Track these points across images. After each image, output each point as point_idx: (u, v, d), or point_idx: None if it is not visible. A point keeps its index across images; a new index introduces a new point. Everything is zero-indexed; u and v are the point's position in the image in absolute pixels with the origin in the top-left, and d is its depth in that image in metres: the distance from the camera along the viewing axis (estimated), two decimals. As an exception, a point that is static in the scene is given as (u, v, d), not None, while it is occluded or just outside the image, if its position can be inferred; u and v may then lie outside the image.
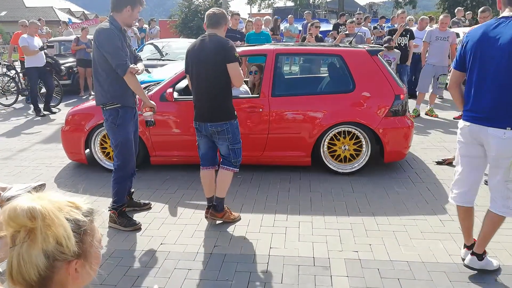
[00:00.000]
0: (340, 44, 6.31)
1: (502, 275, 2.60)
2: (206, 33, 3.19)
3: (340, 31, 8.62)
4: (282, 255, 2.89)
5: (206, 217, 3.40)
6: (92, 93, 9.77)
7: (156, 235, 3.20)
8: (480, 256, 2.58)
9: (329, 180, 4.24)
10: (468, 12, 12.25)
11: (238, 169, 3.31)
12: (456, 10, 11.68)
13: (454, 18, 11.33)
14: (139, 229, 3.28)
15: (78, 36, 10.15)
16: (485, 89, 2.36)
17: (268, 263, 2.80)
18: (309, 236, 3.14)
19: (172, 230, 3.28)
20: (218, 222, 3.37)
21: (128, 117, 3.23)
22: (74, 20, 28.64)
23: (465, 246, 2.74)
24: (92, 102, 4.75)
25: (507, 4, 2.35)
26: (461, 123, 2.55)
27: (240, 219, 3.43)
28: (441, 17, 7.16)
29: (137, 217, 3.45)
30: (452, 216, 3.40)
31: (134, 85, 3.15)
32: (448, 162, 4.64)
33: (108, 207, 3.39)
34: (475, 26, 2.37)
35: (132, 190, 3.65)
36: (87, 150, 4.64)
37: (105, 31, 3.02)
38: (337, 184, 4.15)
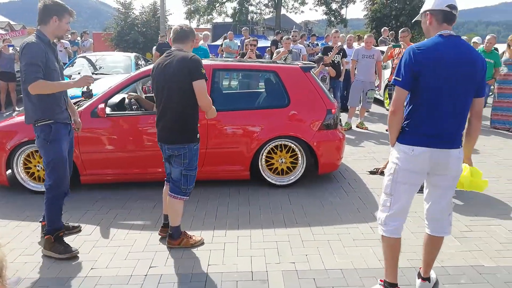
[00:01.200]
0: (278, 61, 6.51)
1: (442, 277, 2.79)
2: (172, 48, 3.06)
3: (279, 48, 8.91)
4: (220, 271, 2.86)
5: (160, 234, 3.33)
6: (17, 109, 9.08)
7: (86, 260, 3.01)
8: (429, 279, 2.61)
9: (268, 193, 4.30)
10: (391, 32, 13.28)
11: (188, 197, 3.13)
12: (382, 30, 12.63)
13: (381, 37, 12.24)
14: (76, 257, 3.04)
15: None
16: (444, 111, 2.23)
17: (206, 281, 2.75)
18: (248, 251, 3.15)
19: (104, 253, 3.10)
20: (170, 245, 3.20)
21: (61, 134, 3.03)
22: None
23: (392, 285, 2.49)
24: (15, 119, 4.42)
25: (441, 22, 2.27)
26: (411, 148, 2.28)
27: (203, 242, 3.24)
28: (365, 37, 7.72)
29: (65, 241, 3.22)
30: (381, 223, 3.60)
31: (50, 89, 2.88)
32: (381, 171, 4.94)
33: (43, 232, 3.13)
34: (419, 42, 2.32)
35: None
36: (9, 171, 4.28)
37: (27, 45, 2.83)
38: (275, 197, 4.22)
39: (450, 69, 2.19)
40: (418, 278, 2.63)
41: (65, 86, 3.04)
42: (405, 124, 2.34)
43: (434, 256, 2.58)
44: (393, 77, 2.31)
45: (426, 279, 2.60)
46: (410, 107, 2.31)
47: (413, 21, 2.88)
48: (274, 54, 7.99)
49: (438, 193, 2.43)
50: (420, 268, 2.66)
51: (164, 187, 3.31)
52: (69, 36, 12.32)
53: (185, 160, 3.01)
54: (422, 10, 2.38)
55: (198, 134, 3.07)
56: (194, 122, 3.03)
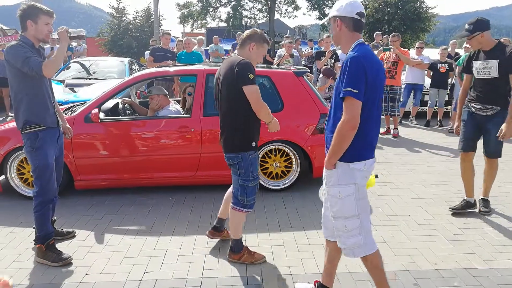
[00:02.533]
0: (272, 66, 6.55)
1: (420, 279, 2.81)
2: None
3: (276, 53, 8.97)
4: (215, 276, 2.86)
5: (206, 235, 3.30)
6: (10, 114, 9.02)
7: (81, 265, 3.00)
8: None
9: (262, 197, 4.31)
10: (385, 36, 13.38)
11: (249, 210, 2.95)
12: (375, 34, 12.72)
13: (373, 42, 12.33)
14: (69, 264, 3.02)
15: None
16: (376, 119, 2.21)
17: (201, 286, 2.75)
18: (243, 255, 3.15)
19: (99, 259, 3.09)
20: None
21: (48, 140, 3.03)
22: (-10, 35, 26.40)
23: None
24: (8, 125, 4.40)
25: (352, 30, 2.20)
26: (363, 164, 2.19)
27: (264, 260, 3.04)
28: None
29: (60, 247, 3.20)
30: (375, 226, 3.62)
31: (55, 61, 2.84)
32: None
33: (34, 240, 3.12)
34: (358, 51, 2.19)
35: (54, 218, 3.39)
36: (2, 177, 4.25)
37: (12, 47, 2.86)
38: (269, 201, 4.23)
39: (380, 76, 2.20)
40: None
41: (62, 50, 2.94)
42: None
43: (337, 261, 2.56)
44: (348, 89, 2.06)
45: (323, 286, 2.58)
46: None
47: (320, 23, 2.82)
48: (276, 58, 8.02)
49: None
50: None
51: (228, 190, 3.24)
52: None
53: (240, 169, 2.85)
54: (330, 15, 2.27)
55: (255, 143, 2.88)
56: (248, 129, 2.84)
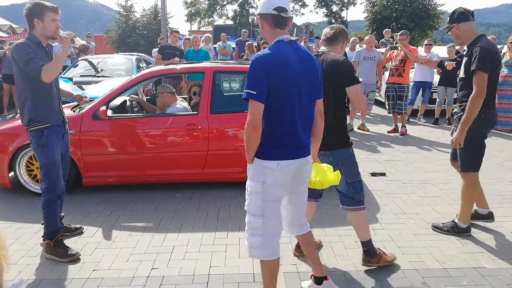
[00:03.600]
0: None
1: (429, 278, 2.79)
2: (320, 50, 2.83)
3: None
4: (222, 273, 2.87)
5: (294, 255, 3.07)
6: (18, 111, 9.10)
7: (88, 261, 3.02)
8: (326, 277, 2.56)
9: (269, 195, 4.30)
10: (395, 34, 13.26)
11: (364, 205, 2.86)
12: (384, 32, 12.59)
13: (382, 39, 12.21)
14: (77, 259, 3.05)
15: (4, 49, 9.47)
16: (292, 120, 2.16)
17: (207, 282, 2.76)
18: (249, 252, 3.14)
19: (106, 255, 3.11)
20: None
21: (54, 137, 3.05)
22: (1, 34, 26.65)
23: None
24: (17, 121, 4.43)
25: (273, 27, 2.15)
26: (276, 163, 2.15)
27: (395, 258, 2.97)
28: (367, 37, 7.71)
29: (68, 243, 3.22)
30: (383, 225, 3.60)
31: (56, 66, 2.84)
32: (381, 173, 4.96)
33: (42, 236, 3.15)
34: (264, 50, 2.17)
35: (62, 214, 3.43)
36: (11, 173, 4.30)
37: (18, 45, 2.88)
38: (276, 199, 4.21)
39: (298, 75, 2.12)
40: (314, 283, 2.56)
41: (62, 55, 2.92)
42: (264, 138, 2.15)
43: (312, 252, 2.54)
44: (247, 91, 2.06)
45: (317, 278, 2.54)
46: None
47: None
48: None
49: (302, 196, 2.41)
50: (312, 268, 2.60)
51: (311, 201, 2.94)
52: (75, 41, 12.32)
53: (352, 164, 2.79)
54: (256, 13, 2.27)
55: (350, 138, 2.85)
56: (346, 126, 2.84)
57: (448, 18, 3.29)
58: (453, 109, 3.96)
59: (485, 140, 3.29)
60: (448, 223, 3.48)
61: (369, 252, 2.88)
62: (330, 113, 2.59)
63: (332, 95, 2.65)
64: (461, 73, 3.28)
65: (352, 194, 2.79)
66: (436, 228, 3.51)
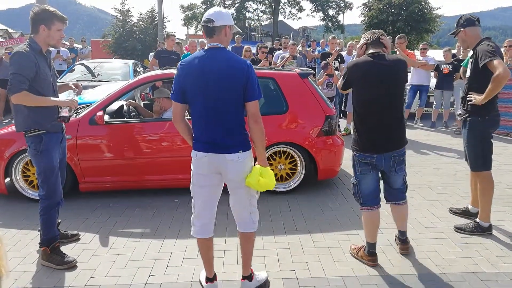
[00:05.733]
0: (276, 67, 6.53)
1: (428, 282, 2.78)
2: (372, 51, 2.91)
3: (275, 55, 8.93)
4: (220, 279, 2.84)
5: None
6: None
7: (85, 268, 2.99)
8: (250, 277, 2.70)
9: (267, 200, 4.28)
10: (389, 37, 13.34)
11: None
12: (380, 36, 12.63)
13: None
14: (74, 267, 3.02)
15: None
16: (199, 119, 2.41)
17: (206, 289, 2.73)
18: (248, 258, 3.12)
19: (103, 262, 3.08)
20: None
21: (53, 143, 3.02)
22: (-4, 38, 26.55)
23: (208, 279, 2.69)
24: (13, 127, 4.40)
25: (206, 36, 2.40)
26: (195, 153, 2.48)
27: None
28: None
29: (64, 250, 3.19)
30: (381, 229, 3.59)
31: (32, 102, 2.81)
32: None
33: (39, 243, 3.11)
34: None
35: (59, 220, 3.39)
36: (7, 179, 4.26)
37: (17, 54, 2.80)
38: (274, 203, 4.20)
39: (207, 80, 2.32)
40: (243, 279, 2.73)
41: (48, 102, 2.90)
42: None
43: (247, 251, 2.69)
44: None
45: (245, 277, 2.71)
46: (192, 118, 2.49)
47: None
48: (279, 60, 8.00)
49: (234, 193, 2.58)
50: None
51: (370, 214, 3.01)
52: (67, 43, 12.31)
53: (404, 162, 2.99)
54: None
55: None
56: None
57: (455, 23, 3.45)
58: (458, 111, 3.99)
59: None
60: (470, 223, 3.53)
61: (407, 241, 3.18)
62: (400, 111, 2.92)
63: (399, 92, 2.92)
64: (468, 73, 3.38)
65: (405, 189, 3.08)
66: (459, 229, 3.54)
